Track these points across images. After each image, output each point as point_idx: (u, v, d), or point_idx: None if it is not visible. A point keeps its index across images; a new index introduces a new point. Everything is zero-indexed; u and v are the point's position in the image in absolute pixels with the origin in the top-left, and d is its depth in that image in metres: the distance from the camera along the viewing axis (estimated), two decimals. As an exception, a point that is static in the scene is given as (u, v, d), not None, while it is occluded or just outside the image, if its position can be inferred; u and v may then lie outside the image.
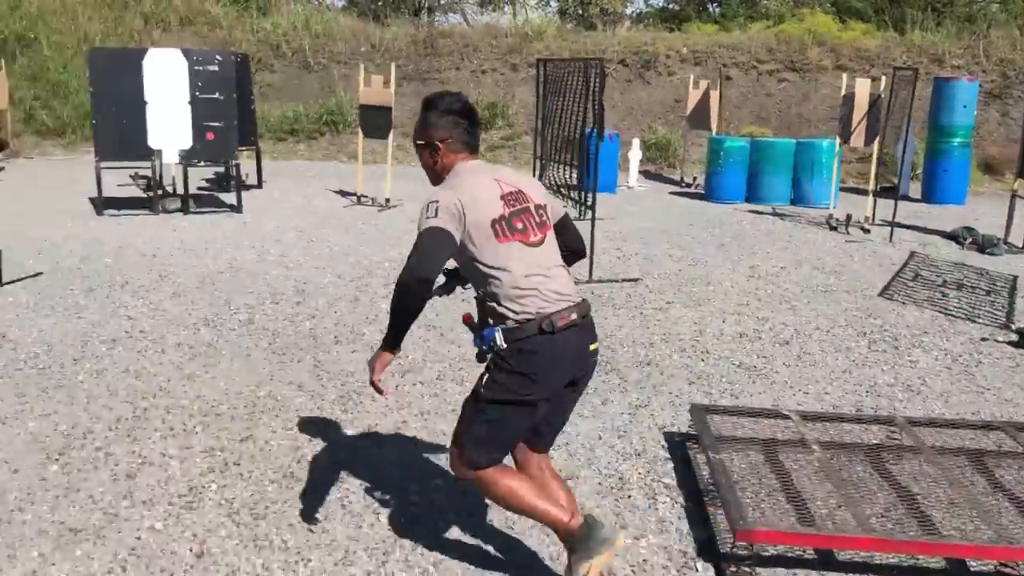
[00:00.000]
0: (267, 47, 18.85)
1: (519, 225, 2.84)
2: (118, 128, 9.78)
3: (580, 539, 2.74)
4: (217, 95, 9.92)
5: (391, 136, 10.89)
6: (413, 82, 17.48)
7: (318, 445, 4.10)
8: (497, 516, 3.41)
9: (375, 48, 18.73)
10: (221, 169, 12.20)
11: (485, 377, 2.83)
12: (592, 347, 2.91)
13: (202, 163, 10.58)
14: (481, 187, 2.85)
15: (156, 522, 3.35)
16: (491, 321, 2.84)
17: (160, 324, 5.88)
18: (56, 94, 16.96)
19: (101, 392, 4.65)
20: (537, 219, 2.90)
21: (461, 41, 18.80)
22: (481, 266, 2.79)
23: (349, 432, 4.28)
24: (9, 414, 4.32)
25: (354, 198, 11.35)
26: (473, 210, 2.76)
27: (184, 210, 10.18)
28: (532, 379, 2.75)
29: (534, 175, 10.77)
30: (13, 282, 6.79)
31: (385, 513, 3.48)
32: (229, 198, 11.11)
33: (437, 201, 2.76)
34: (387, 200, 10.92)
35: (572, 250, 3.09)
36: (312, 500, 3.55)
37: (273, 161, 14.82)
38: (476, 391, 2.86)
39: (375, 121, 10.76)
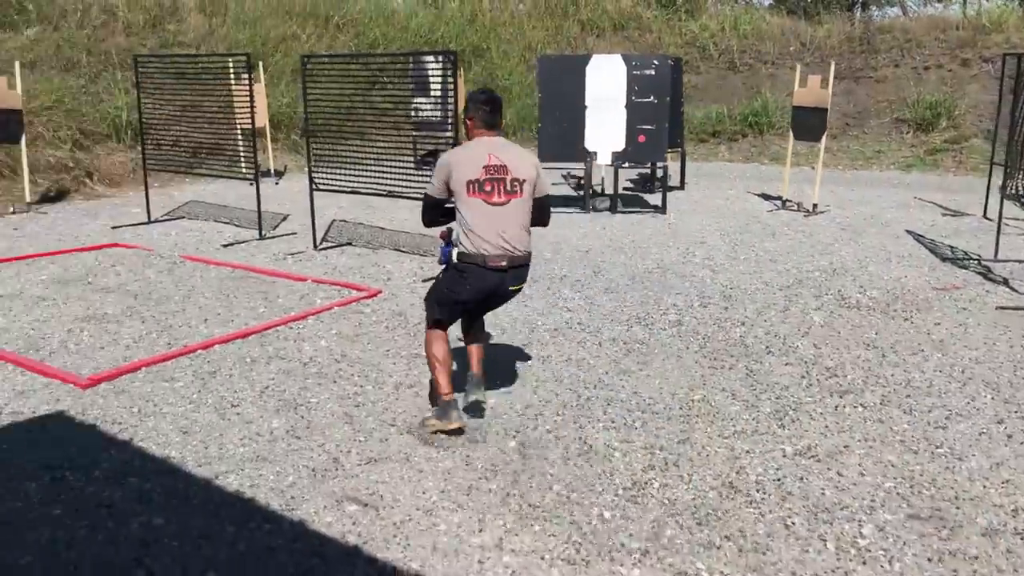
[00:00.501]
0: (694, 49, 19.05)
1: (488, 188, 4.08)
2: (559, 131, 10.49)
3: (439, 408, 4.21)
4: (652, 99, 10.21)
5: (823, 139, 10.40)
6: (844, 81, 16.58)
7: (755, 458, 4.01)
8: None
9: (805, 47, 18.05)
10: (646, 170, 12.57)
11: (441, 271, 4.37)
12: (513, 288, 4.25)
13: (631, 165, 10.96)
14: (473, 155, 4.13)
15: (604, 510, 3.50)
16: (455, 242, 4.18)
17: (596, 318, 6.18)
18: (502, 99, 18.71)
19: (548, 377, 5.00)
20: (508, 187, 4.11)
21: (902, 36, 17.42)
22: (456, 207, 4.16)
23: (787, 448, 4.13)
24: (473, 389, 4.81)
25: (778, 202, 11.04)
26: (457, 169, 4.09)
27: (612, 209, 10.65)
28: (460, 286, 4.18)
29: (989, 181, 9.64)
30: (470, 268, 7.59)
31: (832, 541, 3.29)
32: (653, 198, 11.42)
33: (441, 160, 4.22)
34: (814, 205, 10.46)
35: (536, 223, 4.32)
36: (753, 514, 3.48)
37: (694, 162, 14.95)
38: (436, 277, 4.43)
39: (808, 122, 10.35)
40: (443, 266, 4.33)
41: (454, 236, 4.22)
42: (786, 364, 5.28)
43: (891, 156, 15.16)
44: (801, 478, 3.81)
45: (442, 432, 4.16)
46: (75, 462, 3.82)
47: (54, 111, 12.14)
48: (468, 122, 4.23)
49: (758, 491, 3.69)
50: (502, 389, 4.80)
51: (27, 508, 3.42)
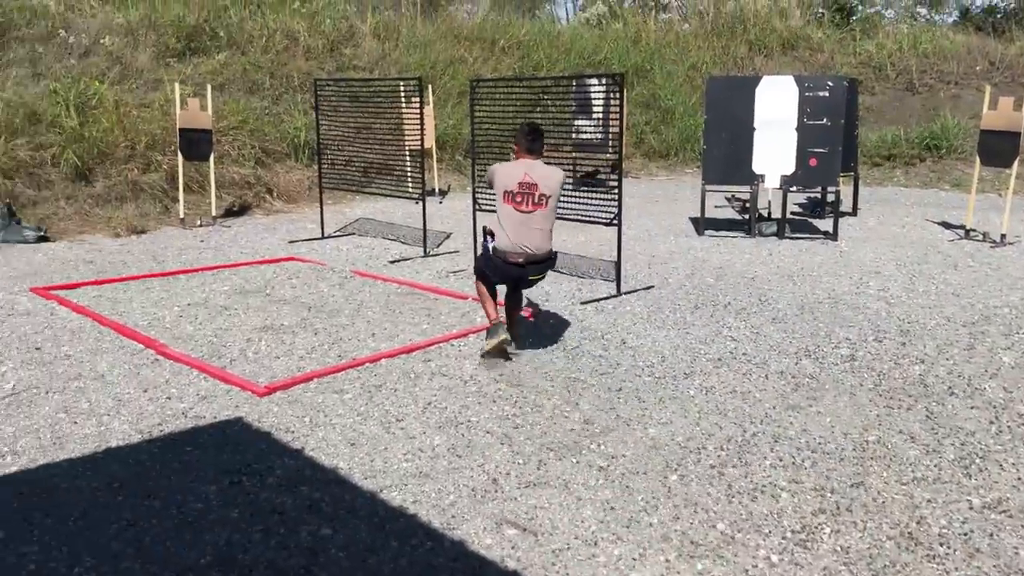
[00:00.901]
0: (869, 69, 18.25)
1: (519, 198, 5.37)
2: (726, 153, 10.25)
3: (491, 330, 5.38)
4: (824, 121, 9.82)
5: (1015, 164, 9.68)
6: (1037, 102, 15.40)
7: (937, 508, 3.74)
8: None
9: (994, 66, 16.95)
10: (815, 194, 12.10)
11: (482, 252, 5.62)
12: (532, 277, 5.56)
13: (801, 189, 10.58)
14: (513, 171, 5.45)
15: (772, 553, 3.35)
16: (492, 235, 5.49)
17: (762, 349, 5.96)
18: (664, 120, 18.49)
19: (711, 409, 4.85)
20: (535, 199, 5.37)
21: (1106, 53, 16.06)
22: (495, 208, 5.49)
23: (973, 500, 3.82)
24: (633, 417, 4.73)
25: (961, 231, 10.35)
26: (499, 178, 5.46)
27: (779, 235, 10.29)
28: (490, 269, 5.52)
29: None
30: (630, 293, 7.51)
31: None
32: (823, 224, 10.96)
33: (493, 168, 5.61)
34: (1003, 236, 9.74)
35: None
36: (936, 570, 3.23)
37: (868, 187, 14.28)
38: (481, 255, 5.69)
39: (998, 147, 9.66)
40: (484, 252, 5.64)
41: (491, 234, 5.55)
42: (971, 407, 4.91)
43: (1091, 183, 13.95)
44: (991, 534, 3.51)
45: (492, 350, 5.41)
46: (251, 468, 4.01)
47: (239, 131, 12.94)
48: (515, 147, 5.62)
49: (941, 545, 3.43)
50: (661, 420, 4.69)
51: (207, 510, 3.61)
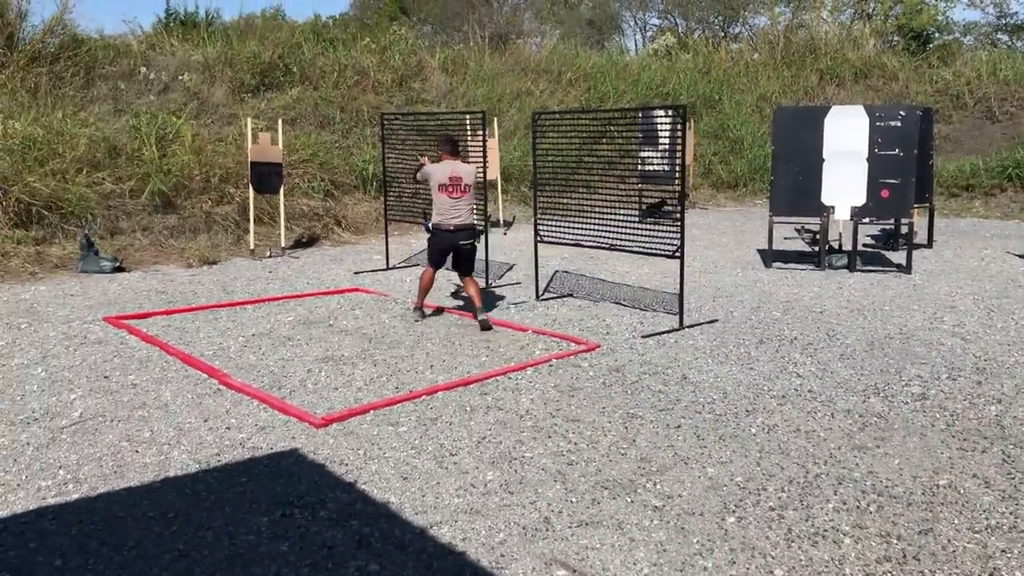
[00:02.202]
0: (946, 97, 17.80)
1: (450, 188, 7.35)
2: (794, 184, 10.06)
3: (414, 311, 7.81)
4: (896, 151, 9.57)
5: (1101, 195, 9.28)
6: None
7: (1013, 559, 3.54)
8: None
9: (1080, 92, 16.34)
10: (888, 226, 11.78)
11: (428, 238, 7.65)
12: (463, 242, 7.47)
13: (872, 220, 10.31)
14: (443, 169, 7.41)
15: (832, 605, 3.20)
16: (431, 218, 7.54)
17: (829, 386, 5.78)
18: (733, 150, 18.31)
19: (773, 448, 4.70)
20: (461, 188, 7.40)
21: None
22: (432, 196, 7.51)
23: (1053, 552, 3.61)
24: (691, 455, 4.61)
25: (1044, 265, 9.94)
26: (434, 176, 7.41)
27: (850, 267, 10.03)
28: (436, 242, 7.53)
29: None
30: (693, 326, 7.38)
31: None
32: (896, 257, 10.65)
33: (427, 168, 7.56)
34: (1088, 270, 9.32)
35: None
36: (1011, 628, 3.05)
37: (944, 218, 13.87)
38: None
39: (1082, 178, 9.28)
40: (429, 234, 7.60)
41: (428, 217, 7.66)
42: (1053, 452, 4.66)
43: None
44: (1072, 589, 3.31)
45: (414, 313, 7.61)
46: (303, 500, 4.02)
47: (309, 164, 13.23)
48: (441, 153, 7.62)
49: (1017, 600, 3.24)
50: (720, 459, 4.57)
51: (257, 542, 3.63)
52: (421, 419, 5.13)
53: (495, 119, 14.38)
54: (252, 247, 11.06)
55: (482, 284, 9.14)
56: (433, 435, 4.88)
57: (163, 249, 10.83)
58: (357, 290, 9.03)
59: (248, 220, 11.20)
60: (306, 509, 3.93)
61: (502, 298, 8.64)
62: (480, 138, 9.46)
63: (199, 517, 3.85)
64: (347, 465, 4.44)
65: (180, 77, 14.35)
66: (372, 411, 5.24)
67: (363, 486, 4.19)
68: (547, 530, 3.77)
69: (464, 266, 7.66)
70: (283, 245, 11.32)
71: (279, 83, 15.22)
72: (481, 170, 9.46)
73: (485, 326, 7.30)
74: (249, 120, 11.55)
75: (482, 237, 8.32)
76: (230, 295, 8.71)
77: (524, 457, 4.57)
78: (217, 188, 12.00)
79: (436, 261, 7.63)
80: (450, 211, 7.38)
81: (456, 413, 5.24)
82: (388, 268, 10.26)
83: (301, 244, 11.93)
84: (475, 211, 7.64)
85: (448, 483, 4.24)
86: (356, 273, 9.99)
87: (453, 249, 7.53)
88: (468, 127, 11.36)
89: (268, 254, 11.08)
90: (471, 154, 10.57)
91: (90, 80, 13.57)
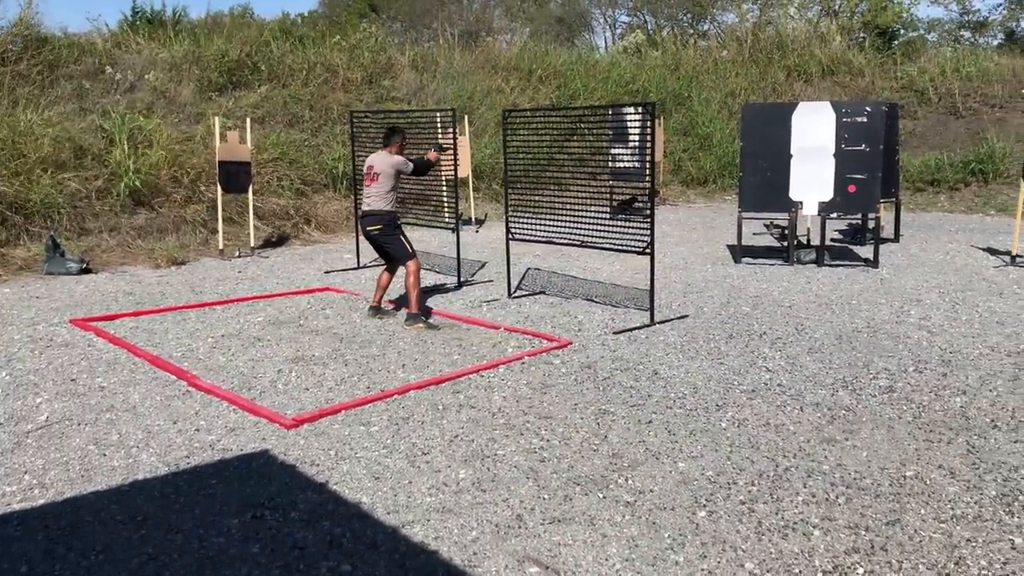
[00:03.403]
0: (911, 93, 18.02)
1: (366, 178, 7.47)
2: (762, 180, 10.14)
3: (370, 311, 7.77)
4: (863, 147, 9.68)
5: (1062, 189, 9.45)
6: (1087, 125, 15.08)
7: (977, 548, 3.59)
8: None
9: (1040, 88, 16.61)
10: (855, 221, 11.91)
11: None
12: (369, 228, 7.46)
13: (840, 216, 10.42)
14: (368, 160, 7.64)
15: (801, 596, 3.24)
16: None
17: (798, 380, 5.84)
18: (702, 147, 18.42)
19: (743, 442, 4.74)
20: (371, 177, 7.42)
21: None
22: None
23: (1015, 540, 3.67)
24: (662, 450, 4.64)
25: (1007, 257, 10.10)
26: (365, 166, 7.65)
27: (818, 262, 10.13)
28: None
29: None
30: (663, 322, 7.42)
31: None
32: (864, 251, 10.78)
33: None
34: (1050, 262, 9.49)
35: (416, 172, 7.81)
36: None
37: (910, 213, 14.05)
38: None
39: (1043, 172, 9.44)
40: None
41: None
42: (1015, 441, 4.74)
43: None
44: (1034, 577, 3.37)
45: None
46: (274, 501, 4.00)
47: (279, 162, 13.14)
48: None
49: (982, 588, 3.29)
50: (691, 454, 4.60)
51: (228, 544, 3.60)
52: (393, 418, 5.12)
53: (466, 117, 14.36)
54: (221, 247, 10.96)
55: (453, 282, 9.14)
56: (405, 434, 4.87)
57: (131, 250, 10.70)
58: (328, 289, 8.98)
59: (217, 220, 11.10)
60: (277, 510, 3.90)
61: (474, 296, 8.63)
62: (451, 136, 9.44)
63: (168, 520, 3.81)
64: (318, 466, 4.42)
65: (146, 76, 14.18)
66: (343, 411, 5.21)
67: (334, 486, 4.17)
68: (520, 527, 3.77)
69: (383, 255, 7.71)
70: (252, 245, 11.24)
71: (247, 81, 15.08)
72: (452, 168, 9.47)
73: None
74: (217, 119, 11.44)
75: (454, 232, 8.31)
76: (199, 296, 8.62)
77: (496, 455, 4.57)
78: (187, 188, 11.88)
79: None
80: (363, 199, 7.55)
81: (428, 412, 5.23)
82: (359, 267, 10.22)
83: (271, 244, 11.85)
84: (390, 199, 7.45)
85: (420, 482, 4.23)
86: (326, 272, 9.94)
87: (367, 237, 7.59)
88: (439, 125, 11.34)
89: (237, 254, 10.99)
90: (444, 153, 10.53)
91: (54, 79, 13.37)
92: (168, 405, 5.35)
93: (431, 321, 7.42)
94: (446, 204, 11.11)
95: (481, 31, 30.35)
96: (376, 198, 7.41)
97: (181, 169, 11.96)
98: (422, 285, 7.80)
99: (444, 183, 10.83)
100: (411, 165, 7.61)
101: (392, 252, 7.57)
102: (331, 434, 4.86)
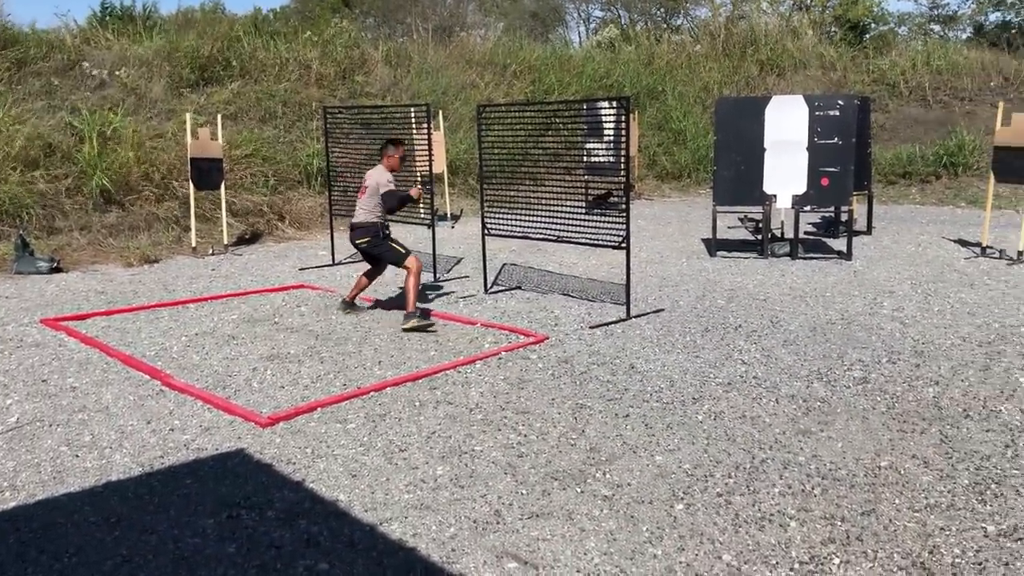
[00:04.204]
0: (883, 87, 18.17)
1: (360, 190, 7.46)
2: (736, 174, 10.19)
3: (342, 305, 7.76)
4: (835, 140, 9.75)
5: (1030, 181, 9.57)
6: (1054, 117, 15.28)
7: (951, 536, 3.63)
8: None
9: (1009, 82, 16.83)
10: (829, 214, 12.00)
11: None
12: (357, 241, 7.43)
13: (813, 209, 10.49)
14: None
15: (779, 587, 3.26)
16: None
17: (773, 372, 5.87)
18: (676, 141, 18.48)
19: (720, 435, 4.76)
20: (362, 190, 7.40)
21: (1122, 67, 15.91)
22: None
23: (988, 527, 3.71)
24: (639, 444, 4.65)
25: (977, 249, 10.23)
26: None
27: (792, 255, 10.20)
28: None
29: None
30: (640, 316, 7.44)
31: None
32: (837, 244, 10.86)
33: None
34: (1020, 253, 9.61)
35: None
36: (950, 603, 3.13)
37: (882, 205, 14.18)
38: None
39: (1013, 163, 9.56)
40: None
41: None
42: (987, 430, 4.79)
43: (1111, 198, 13.78)
44: (1006, 563, 3.40)
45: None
46: (251, 500, 3.96)
47: (252, 159, 13.03)
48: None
49: (954, 575, 3.32)
50: (668, 447, 4.61)
51: (203, 544, 3.56)
52: (370, 415, 5.09)
53: (440, 112, 14.31)
54: (194, 245, 10.86)
55: (429, 279, 9.11)
56: (382, 431, 4.84)
57: (102, 248, 10.57)
58: (303, 287, 8.92)
59: (189, 217, 10.99)
60: (253, 510, 3.87)
61: (451, 292, 8.60)
62: (425, 131, 9.40)
63: (143, 521, 3.77)
64: (294, 464, 4.39)
65: (117, 72, 14.00)
66: (319, 409, 5.18)
67: (311, 485, 4.15)
68: (498, 523, 3.76)
69: (370, 260, 7.64)
70: (226, 242, 11.14)
71: (219, 77, 14.93)
72: (426, 164, 9.43)
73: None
74: (188, 115, 11.32)
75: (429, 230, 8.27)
76: (172, 294, 8.54)
77: (474, 451, 4.56)
78: (159, 185, 11.75)
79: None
80: (356, 208, 7.48)
81: (405, 408, 5.21)
82: (334, 264, 10.16)
83: (244, 241, 11.75)
84: (377, 212, 7.32)
85: (398, 479, 4.22)
86: (301, 269, 9.87)
87: (356, 248, 7.58)
88: (413, 120, 11.29)
89: (211, 251, 10.89)
90: (416, 148, 10.51)
91: (22, 76, 13.16)
92: (141, 405, 5.29)
93: (428, 321, 7.15)
94: (421, 200, 11.04)
95: (455, 26, 30.25)
96: (362, 212, 7.37)
97: (152, 166, 11.83)
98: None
99: (419, 179, 10.78)
100: (388, 187, 7.30)
101: (387, 260, 7.49)
102: (307, 432, 4.82)
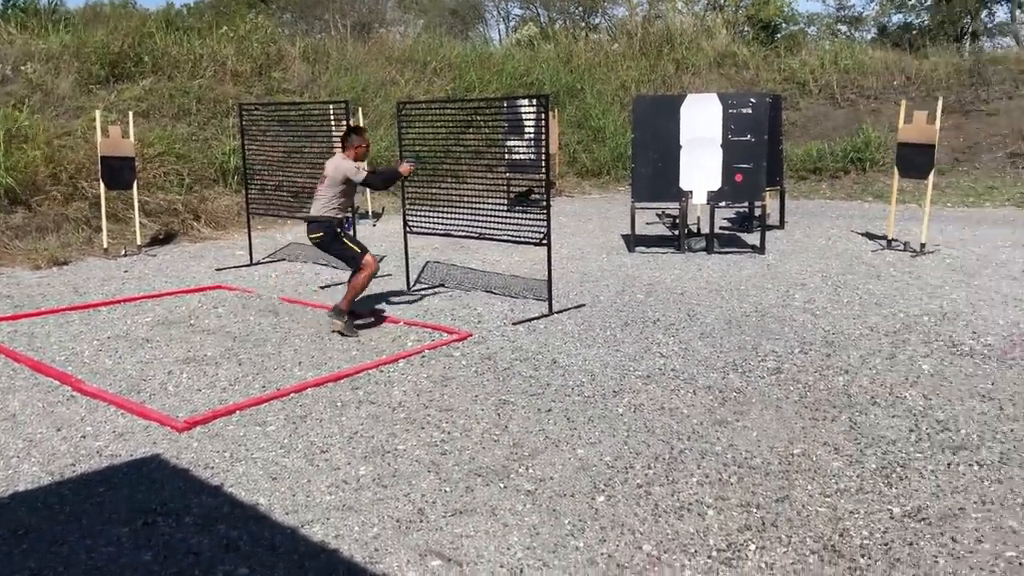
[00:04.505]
0: (793, 85, 18.70)
1: (320, 180, 6.98)
2: (654, 171, 10.37)
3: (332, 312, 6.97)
4: (748, 137, 10.00)
5: (931, 176, 9.97)
6: (953, 115, 15.99)
7: (859, 519, 3.77)
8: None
9: (910, 81, 17.50)
10: (743, 209, 12.30)
11: None
12: (310, 236, 6.97)
13: (728, 204, 10.74)
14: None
15: (697, 574, 3.34)
16: None
17: (691, 364, 6.00)
18: (596, 138, 18.68)
19: (640, 427, 4.85)
20: (321, 180, 6.95)
21: (1016, 67, 16.69)
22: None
23: (894, 509, 3.87)
24: (562, 438, 4.70)
25: (883, 242, 10.62)
26: None
27: (708, 250, 10.43)
28: None
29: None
30: (562, 311, 7.51)
31: (946, 616, 3.05)
32: (751, 238, 11.14)
33: None
34: (922, 245, 10.01)
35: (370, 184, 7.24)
36: (858, 583, 3.26)
37: (794, 200, 14.59)
38: None
39: (914, 160, 9.96)
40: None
41: None
42: (893, 416, 4.99)
43: (1005, 192, 14.46)
44: (911, 543, 3.56)
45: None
46: (167, 507, 3.88)
47: (165, 157, 12.69)
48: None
49: (863, 556, 3.46)
50: (590, 440, 4.67)
51: (118, 553, 3.47)
52: (290, 417, 5.03)
53: (359, 109, 14.18)
54: (106, 246, 10.52)
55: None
56: (303, 433, 4.79)
57: (7, 251, 10.16)
58: (220, 287, 8.74)
59: (100, 217, 10.65)
60: (170, 516, 3.79)
61: (374, 290, 8.54)
62: (344, 128, 9.30)
63: (53, 532, 3.65)
64: (213, 468, 4.31)
65: (22, 67, 13.47)
66: (238, 412, 5.09)
67: (230, 489, 4.08)
68: (421, 521, 3.77)
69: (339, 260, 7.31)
70: (139, 243, 10.83)
71: (130, 74, 14.50)
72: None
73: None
74: (98, 112, 10.97)
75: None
76: (83, 297, 8.27)
77: (397, 450, 4.55)
78: (67, 185, 11.35)
79: None
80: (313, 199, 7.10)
81: (326, 409, 5.16)
82: (252, 264, 9.98)
83: (158, 241, 11.44)
84: (334, 205, 6.92)
85: (319, 481, 4.18)
86: (218, 270, 9.67)
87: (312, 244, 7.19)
88: (332, 117, 11.15)
89: (123, 252, 10.58)
90: (335, 145, 10.39)
91: (-84, 71, 12.57)
92: (51, 412, 5.12)
93: (355, 326, 6.92)
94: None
95: (374, 22, 29.98)
96: (318, 203, 6.93)
97: (60, 166, 11.42)
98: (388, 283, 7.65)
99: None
100: (362, 175, 6.91)
101: (342, 258, 7.15)
102: (225, 435, 4.74)
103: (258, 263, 10.01)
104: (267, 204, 10.60)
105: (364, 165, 7.05)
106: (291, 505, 3.91)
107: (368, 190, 13.70)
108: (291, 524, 3.73)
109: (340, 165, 6.89)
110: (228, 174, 13.28)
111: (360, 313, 7.28)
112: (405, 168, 7.24)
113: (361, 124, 13.42)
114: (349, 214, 7.09)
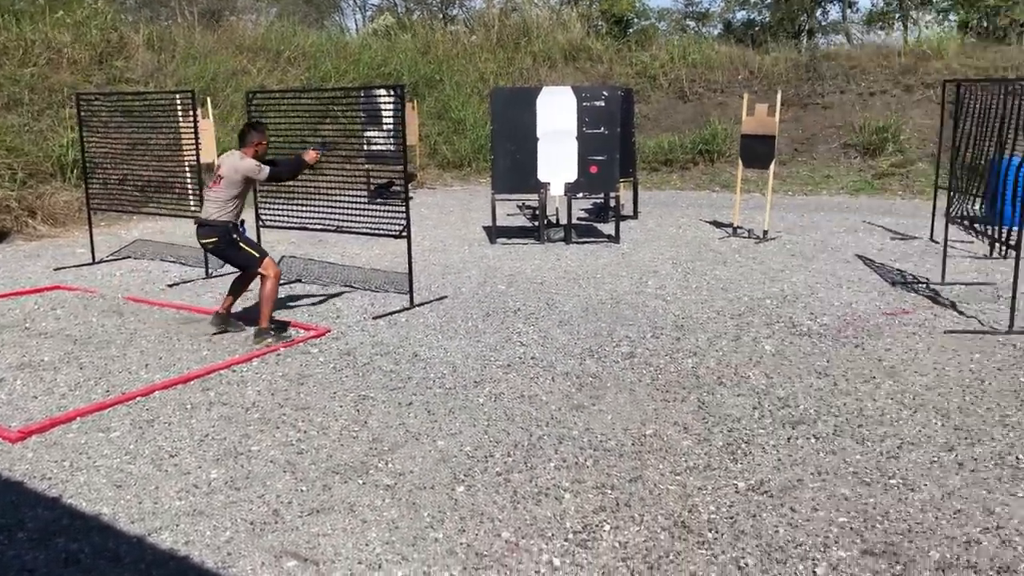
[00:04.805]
0: (645, 79, 19.24)
1: (211, 180, 6.36)
2: (512, 162, 10.46)
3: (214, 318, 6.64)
4: (602, 129, 10.23)
5: (772, 166, 10.50)
6: (793, 108, 16.86)
7: (707, 495, 3.94)
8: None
9: (753, 75, 18.33)
10: (599, 200, 12.59)
11: None
12: (202, 241, 6.44)
13: (585, 195, 10.96)
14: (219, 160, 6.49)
15: (554, 557, 3.40)
16: None
17: (549, 352, 6.10)
18: (456, 130, 18.67)
19: (500, 416, 4.90)
20: (214, 180, 6.33)
21: (847, 63, 17.76)
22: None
23: (739, 484, 4.06)
24: (422, 431, 4.69)
25: (729, 229, 11.11)
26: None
27: (566, 240, 10.62)
28: None
29: (934, 205, 9.78)
30: (423, 304, 7.49)
31: (786, 582, 3.22)
32: (607, 228, 11.42)
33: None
34: (765, 232, 10.54)
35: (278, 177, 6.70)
36: (705, 555, 3.40)
37: (646, 191, 15.04)
38: None
39: (756, 150, 10.45)
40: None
41: None
42: (738, 395, 5.24)
43: (840, 181, 15.39)
44: (754, 515, 3.74)
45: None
46: (-1, 523, 3.64)
47: (-5, 150, 11.85)
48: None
49: (710, 531, 3.61)
50: (450, 431, 4.68)
51: (-58, 576, 3.24)
52: (136, 422, 4.80)
53: (208, 99, 13.64)
54: (-73, 246, 9.75)
55: (201, 275, 8.70)
56: (150, 438, 4.59)
57: None
58: (58, 288, 8.25)
59: (-80, 216, 9.84)
60: (1, 532, 3.55)
61: (225, 288, 8.23)
62: (191, 119, 8.94)
63: None
64: (50, 479, 4.06)
65: None
66: (78, 418, 4.82)
67: (69, 500, 3.86)
68: (276, 522, 3.68)
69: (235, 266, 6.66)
70: (-33, 242, 10.08)
71: (-49, 60, 13.46)
72: (192, 154, 8.98)
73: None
74: (-86, 102, 10.12)
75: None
76: (-99, 302, 7.64)
77: (251, 451, 4.42)
78: None
79: None
80: (205, 201, 6.52)
81: (175, 412, 4.96)
82: (95, 262, 9.46)
83: (-10, 240, 10.69)
84: (230, 208, 6.33)
85: (168, 486, 4.01)
86: (56, 269, 9.12)
87: (203, 248, 6.68)
88: (179, 108, 10.69)
89: (-52, 253, 9.82)
90: (183, 136, 9.97)
91: None
92: None
93: (287, 334, 6.45)
94: (190, 191, 10.51)
95: (224, 10, 28.91)
96: (213, 205, 6.28)
97: None
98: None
99: (188, 169, 10.23)
100: (266, 171, 6.38)
101: (236, 264, 6.56)
102: (65, 444, 4.48)
103: (101, 261, 9.50)
104: (110, 199, 10.06)
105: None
106: (137, 513, 3.74)
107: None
108: (137, 533, 3.56)
109: (239, 165, 6.29)
110: (67, 168, 12.52)
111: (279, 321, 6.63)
112: (312, 155, 6.68)
113: (211, 116, 12.93)
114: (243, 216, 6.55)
